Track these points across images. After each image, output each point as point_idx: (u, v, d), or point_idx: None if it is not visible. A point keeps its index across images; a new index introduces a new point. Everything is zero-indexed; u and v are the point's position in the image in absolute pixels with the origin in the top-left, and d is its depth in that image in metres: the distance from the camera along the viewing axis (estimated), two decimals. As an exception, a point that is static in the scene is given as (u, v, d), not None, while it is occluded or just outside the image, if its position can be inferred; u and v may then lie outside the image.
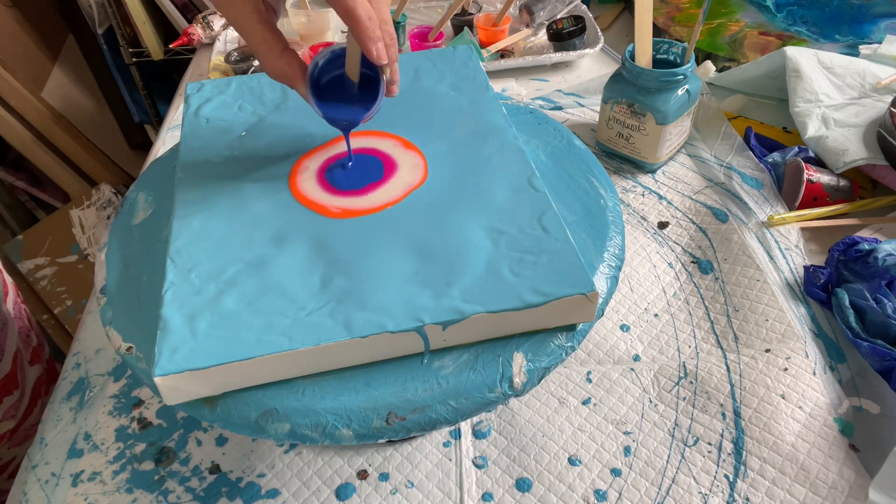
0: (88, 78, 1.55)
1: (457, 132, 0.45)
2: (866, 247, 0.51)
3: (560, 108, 0.77)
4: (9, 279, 0.63)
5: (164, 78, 1.48)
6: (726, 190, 0.63)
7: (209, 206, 0.40)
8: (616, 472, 0.43)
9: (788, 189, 0.63)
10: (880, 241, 0.51)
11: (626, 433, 0.45)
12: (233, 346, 0.32)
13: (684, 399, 0.47)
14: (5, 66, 1.23)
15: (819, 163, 0.64)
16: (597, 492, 0.42)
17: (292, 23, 0.89)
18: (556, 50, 0.85)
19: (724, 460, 0.43)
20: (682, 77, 0.60)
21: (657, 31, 0.85)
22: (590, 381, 0.48)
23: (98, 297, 0.39)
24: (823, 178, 0.60)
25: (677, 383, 0.48)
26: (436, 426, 0.33)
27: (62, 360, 0.54)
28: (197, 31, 0.96)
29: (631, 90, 0.62)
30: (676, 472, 0.43)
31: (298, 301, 0.35)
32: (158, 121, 1.52)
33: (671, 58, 0.64)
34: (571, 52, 0.84)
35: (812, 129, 0.64)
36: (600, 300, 0.37)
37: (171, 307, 0.34)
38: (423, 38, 0.86)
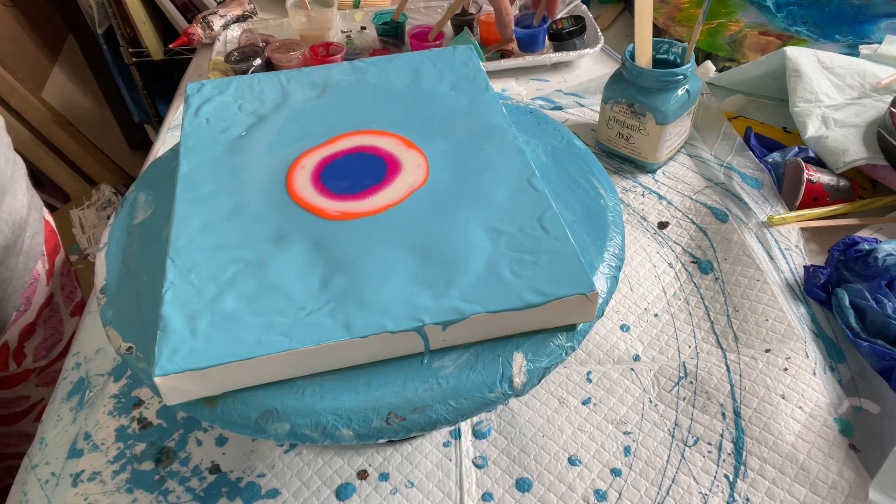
0: (88, 78, 1.55)
1: (457, 132, 0.45)
2: (866, 247, 0.51)
3: (560, 108, 0.77)
4: (60, 241, 0.70)
5: (164, 78, 1.48)
6: (726, 190, 0.63)
7: (209, 206, 0.40)
8: (616, 472, 0.43)
9: (788, 189, 0.63)
10: (880, 241, 0.51)
11: (626, 433, 0.45)
12: (233, 346, 0.32)
13: (684, 399, 0.47)
14: (5, 66, 1.23)
15: (819, 163, 0.64)
16: (597, 492, 0.42)
17: (292, 23, 0.89)
18: (556, 50, 0.85)
19: (724, 460, 0.43)
20: (682, 77, 0.60)
21: (657, 31, 0.85)
22: (590, 381, 0.48)
23: (98, 297, 0.39)
24: (823, 178, 0.60)
25: (677, 383, 0.48)
26: (436, 426, 0.33)
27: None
28: (197, 31, 0.96)
29: (631, 90, 0.62)
30: (676, 472, 0.43)
31: (298, 301, 0.35)
32: (158, 121, 1.52)
33: (671, 58, 0.64)
34: (571, 52, 0.84)
35: (812, 129, 0.64)
36: (600, 300, 0.37)
37: (171, 307, 0.34)
38: (423, 38, 0.86)
